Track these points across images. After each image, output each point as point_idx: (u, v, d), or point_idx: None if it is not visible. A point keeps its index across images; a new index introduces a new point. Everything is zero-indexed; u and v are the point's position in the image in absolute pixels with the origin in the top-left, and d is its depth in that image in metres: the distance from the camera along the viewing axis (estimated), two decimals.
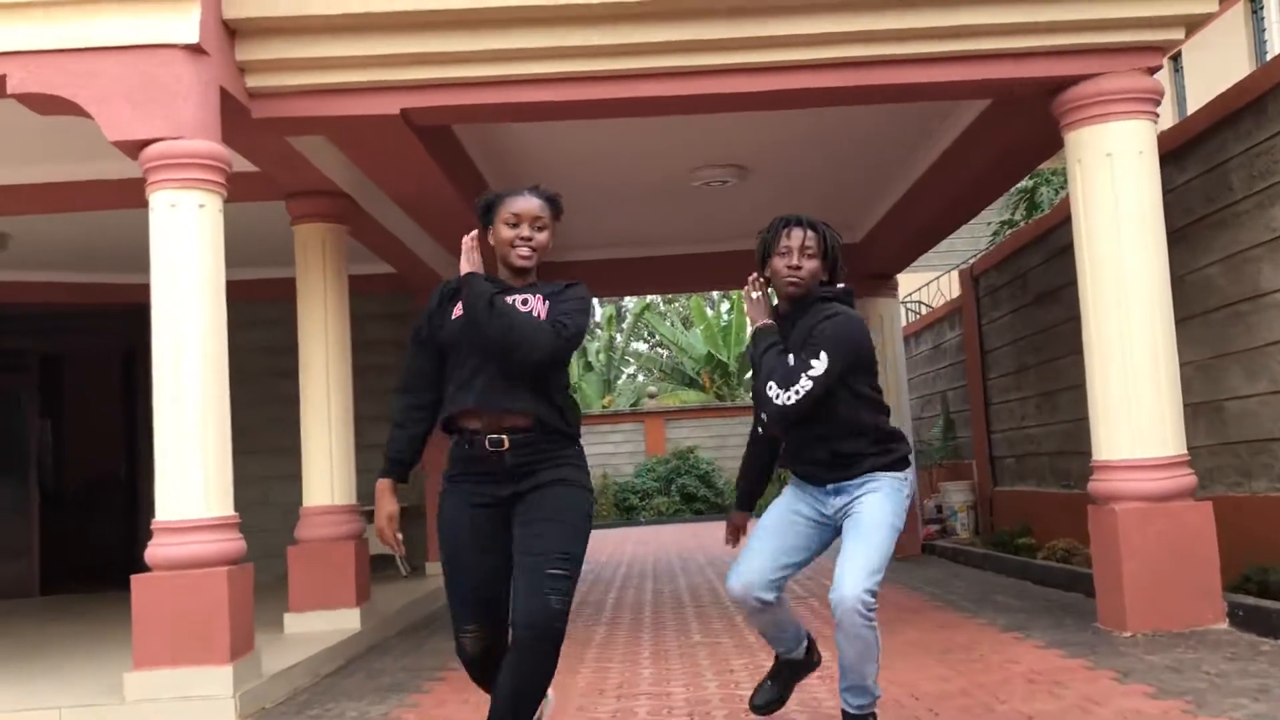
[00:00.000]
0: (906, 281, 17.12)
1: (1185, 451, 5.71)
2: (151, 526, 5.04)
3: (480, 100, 5.73)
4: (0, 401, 10.86)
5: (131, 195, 7.10)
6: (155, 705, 4.73)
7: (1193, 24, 5.79)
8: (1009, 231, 12.97)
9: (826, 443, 3.57)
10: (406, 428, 3.39)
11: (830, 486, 3.62)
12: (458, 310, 3.31)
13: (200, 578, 4.84)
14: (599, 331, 32.35)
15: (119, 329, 11.38)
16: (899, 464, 3.62)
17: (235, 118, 5.46)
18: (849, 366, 3.52)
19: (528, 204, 3.39)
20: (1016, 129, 7.06)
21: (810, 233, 3.63)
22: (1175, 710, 3.87)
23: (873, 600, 3.42)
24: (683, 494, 21.67)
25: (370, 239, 8.21)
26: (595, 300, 37.40)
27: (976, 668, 4.93)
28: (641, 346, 33.75)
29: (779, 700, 3.92)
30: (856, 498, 3.58)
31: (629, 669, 5.46)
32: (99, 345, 12.04)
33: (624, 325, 32.26)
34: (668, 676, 5.20)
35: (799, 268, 3.59)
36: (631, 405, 26.79)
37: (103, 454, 12.74)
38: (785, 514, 3.73)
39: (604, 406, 26.12)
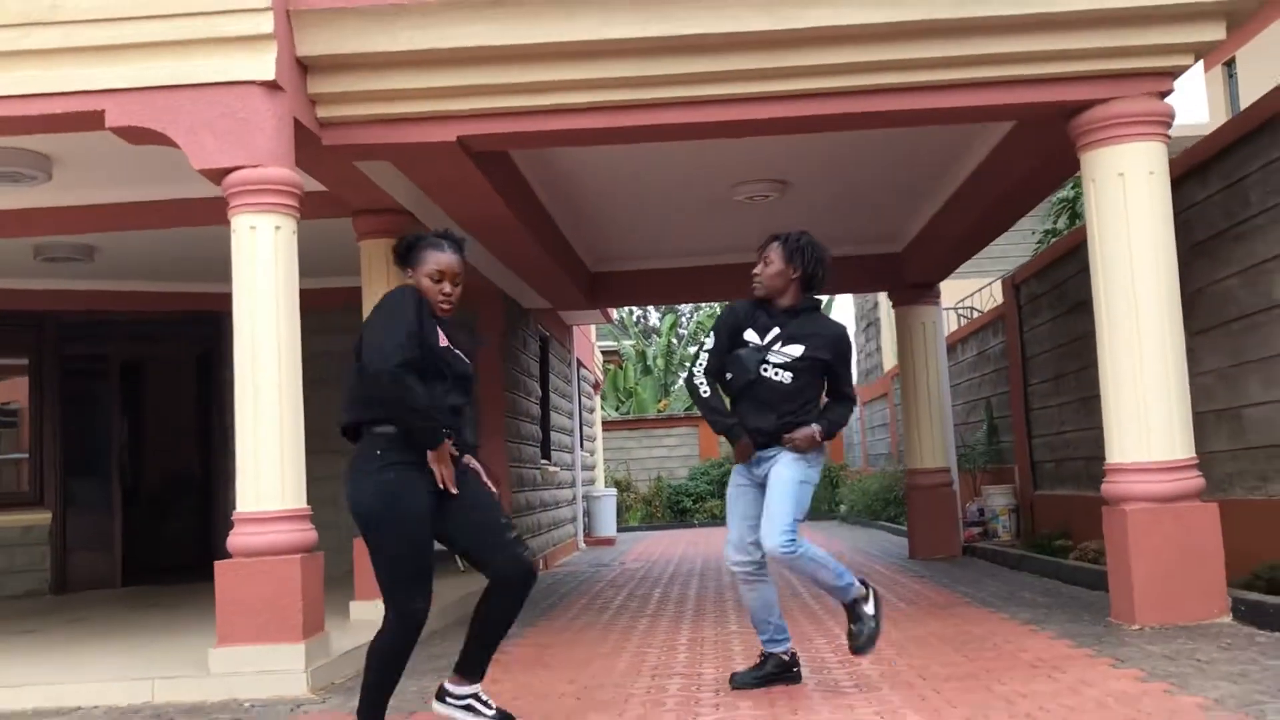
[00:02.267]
0: (960, 288, 17.47)
1: (1194, 455, 6.02)
2: (232, 518, 5.55)
3: (530, 128, 6.21)
4: (85, 405, 11.53)
5: (205, 213, 7.73)
6: (237, 678, 5.26)
7: (1201, 51, 6.10)
8: (1052, 240, 13.21)
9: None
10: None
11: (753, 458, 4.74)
12: (444, 339, 3.85)
13: (277, 564, 5.36)
14: (655, 338, 32.82)
15: (194, 336, 12.06)
16: None
17: (307, 145, 5.98)
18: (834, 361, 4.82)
19: (450, 260, 3.89)
20: (1042, 147, 7.39)
21: (772, 244, 4.83)
22: (1157, 691, 4.22)
23: (790, 542, 4.46)
24: None
25: None
26: (650, 309, 37.69)
27: (987, 655, 5.31)
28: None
29: (756, 685, 4.75)
30: (770, 466, 4.67)
31: (666, 654, 5.89)
32: (175, 351, 12.72)
33: (683, 331, 32.72)
34: (700, 660, 5.63)
35: (757, 274, 4.81)
36: (686, 409, 27.21)
37: (178, 455, 13.44)
38: (735, 488, 4.86)
39: (659, 410, 26.58)
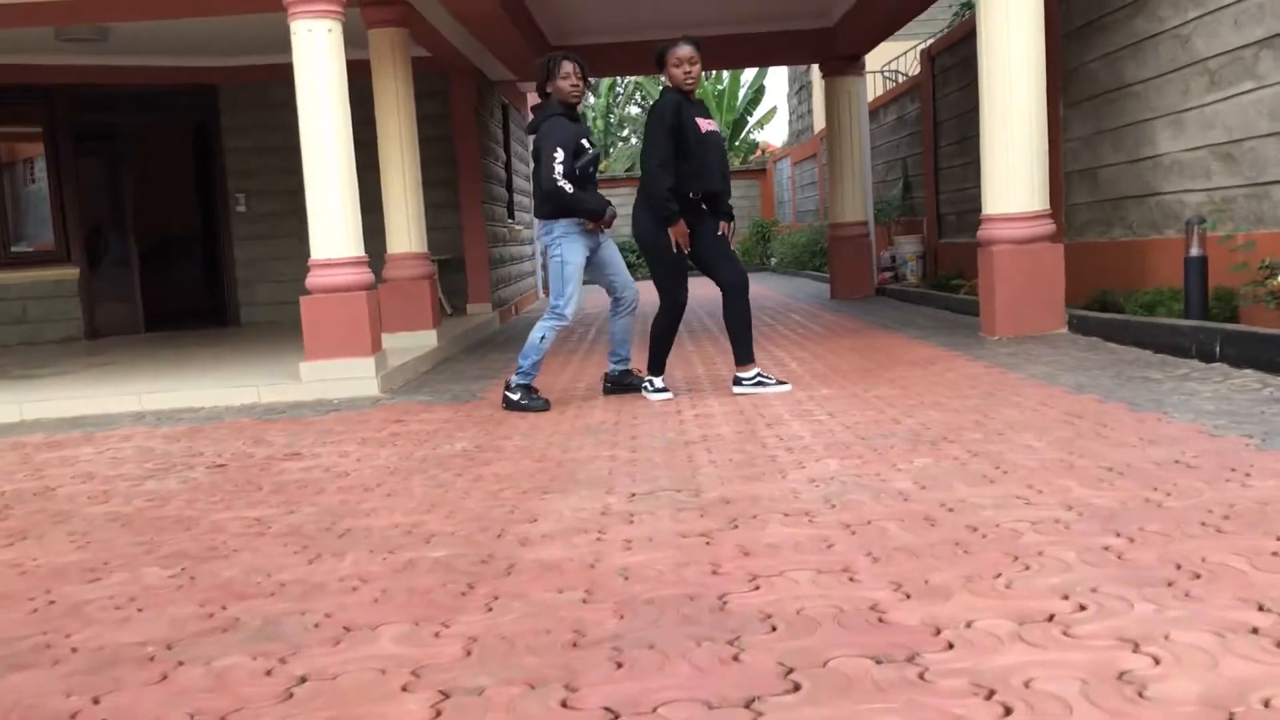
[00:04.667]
0: (887, 50, 18.78)
1: (1048, 207, 7.77)
2: (308, 264, 7.12)
3: None
4: (99, 171, 12.76)
5: (219, 5, 8.84)
6: (322, 383, 6.97)
7: None
8: (967, 14, 14.56)
9: None
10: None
11: None
12: (705, 125, 5.81)
13: (348, 298, 7.00)
14: (593, 100, 33.73)
15: (193, 107, 13.19)
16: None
17: None
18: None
19: (688, 50, 5.79)
20: None
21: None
22: (995, 372, 6.10)
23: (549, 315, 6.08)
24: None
25: (423, 38, 10.00)
26: (598, 79, 38.38)
27: (881, 356, 7.19)
28: (636, 111, 35.21)
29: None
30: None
31: (640, 363, 7.68)
32: (176, 120, 13.84)
33: (620, 91, 33.55)
34: (670, 366, 7.43)
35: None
36: (626, 170, 28.58)
37: (183, 215, 14.75)
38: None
39: (601, 171, 27.88)
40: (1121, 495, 3.26)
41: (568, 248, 5.95)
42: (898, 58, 19.32)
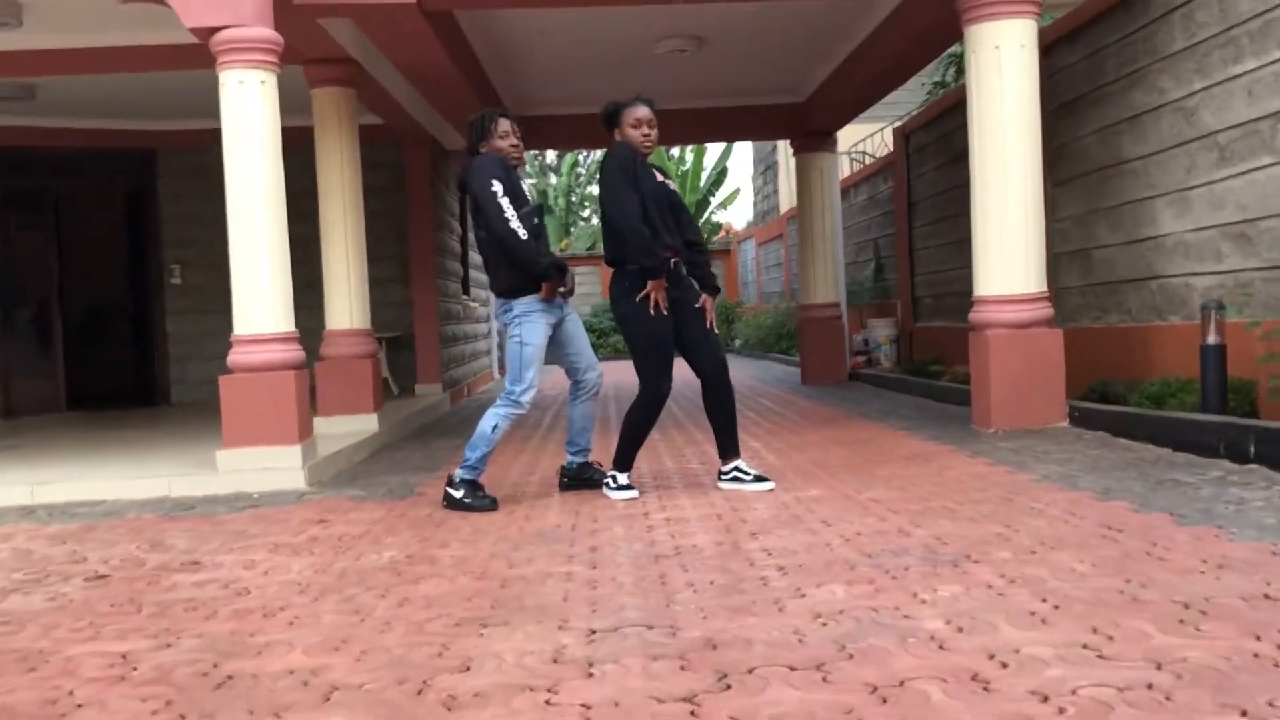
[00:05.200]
0: (855, 133, 18.44)
1: (1045, 289, 7.17)
2: (231, 339, 6.35)
3: None
4: (23, 237, 11.94)
5: (153, 59, 8.16)
6: (242, 475, 6.16)
7: None
8: (941, 93, 14.19)
9: None
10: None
11: None
12: (659, 175, 5.28)
13: (273, 378, 6.23)
14: (554, 179, 33.34)
15: (127, 172, 12.44)
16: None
17: (280, 6, 6.57)
18: None
19: (643, 112, 5.24)
20: (930, 15, 8.31)
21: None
22: (1001, 471, 5.41)
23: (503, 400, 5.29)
24: None
25: (372, 99, 9.36)
26: (557, 153, 38.27)
27: (868, 450, 6.49)
28: (598, 191, 34.80)
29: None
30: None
31: (603, 455, 6.93)
32: (108, 186, 13.07)
33: (581, 171, 33.21)
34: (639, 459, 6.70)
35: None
36: (588, 249, 28.06)
37: (113, 288, 13.90)
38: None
39: (561, 249, 27.37)
40: (1220, 646, 2.54)
41: (528, 328, 5.23)
42: (864, 139, 18.99)
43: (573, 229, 31.26)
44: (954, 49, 14.08)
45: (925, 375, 10.88)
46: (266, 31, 6.21)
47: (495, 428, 5.22)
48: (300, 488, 6.15)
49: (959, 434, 7.03)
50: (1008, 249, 7.04)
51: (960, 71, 14.14)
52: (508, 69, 10.60)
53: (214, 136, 10.48)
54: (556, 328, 5.36)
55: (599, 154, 31.79)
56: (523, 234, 5.06)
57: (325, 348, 8.46)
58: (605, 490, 5.33)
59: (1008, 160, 7.04)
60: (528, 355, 5.21)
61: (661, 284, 5.13)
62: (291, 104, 8.71)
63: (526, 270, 5.14)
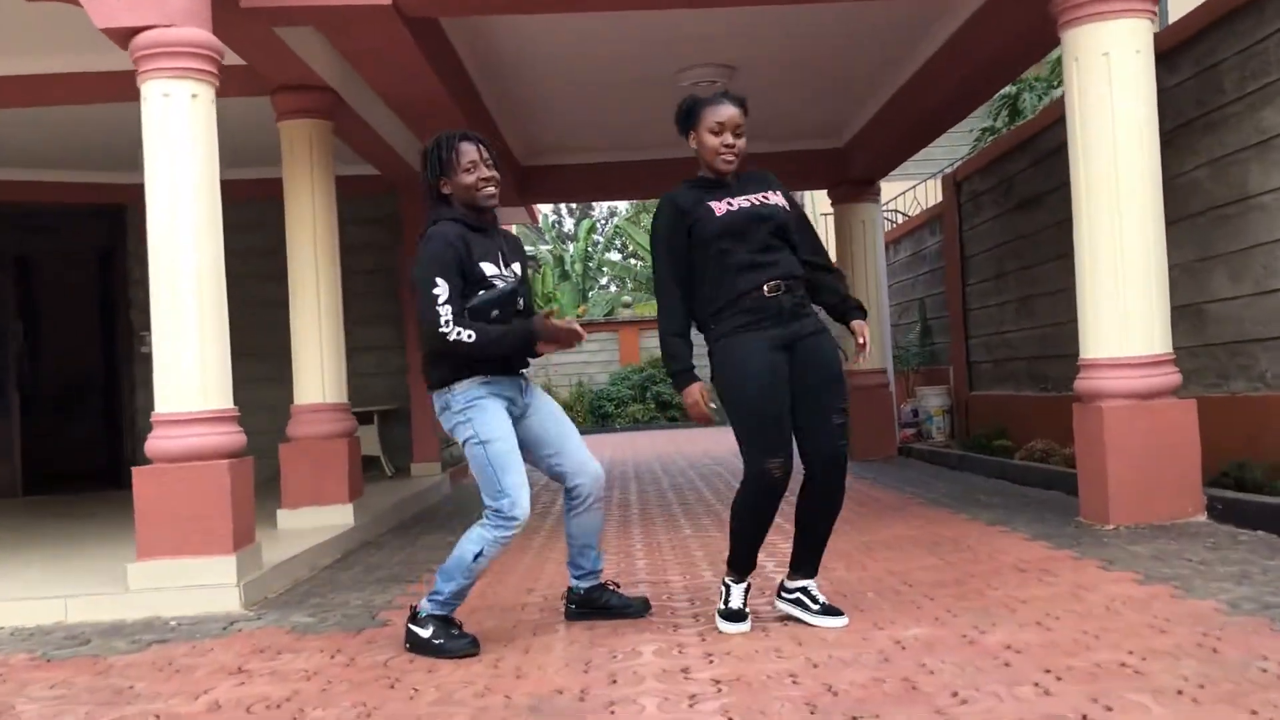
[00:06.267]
0: (886, 190, 17.15)
1: (1171, 351, 5.80)
2: (152, 419, 5.01)
3: None
4: None
5: (112, 88, 6.98)
6: (160, 594, 4.78)
7: None
8: (991, 138, 12.94)
9: None
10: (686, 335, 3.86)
11: None
12: (719, 209, 3.79)
13: (202, 469, 4.86)
14: (571, 245, 32.25)
15: (96, 229, 11.25)
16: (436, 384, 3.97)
17: (223, 7, 5.33)
18: None
19: (731, 113, 3.81)
20: (1006, 31, 7.03)
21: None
22: (1164, 594, 3.99)
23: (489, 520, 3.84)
24: (657, 402, 21.83)
25: (354, 136, 8.12)
26: (564, 215, 37.38)
27: (965, 558, 5.06)
28: (615, 257, 33.74)
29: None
30: None
31: (624, 561, 5.55)
32: (75, 246, 11.89)
33: (599, 238, 32.21)
34: (664, 567, 5.31)
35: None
36: (606, 315, 26.82)
37: (80, 356, 12.64)
38: None
39: (578, 315, 26.12)
40: None
41: (481, 420, 3.82)
42: (896, 196, 17.69)
43: (590, 294, 30.10)
44: (1006, 90, 12.87)
45: (990, 451, 9.46)
46: (199, 33, 4.94)
47: (479, 555, 3.79)
48: (232, 611, 4.76)
49: (1068, 531, 5.60)
50: (1125, 300, 5.68)
51: (1014, 115, 12.90)
52: (514, 107, 9.35)
53: None
54: (519, 420, 3.98)
55: (618, 216, 30.73)
56: (466, 337, 3.70)
57: (292, 427, 7.10)
58: (716, 619, 3.92)
59: (1121, 192, 5.70)
60: (497, 455, 3.79)
61: (692, 394, 3.83)
62: (272, 154, 7.50)
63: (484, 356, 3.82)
